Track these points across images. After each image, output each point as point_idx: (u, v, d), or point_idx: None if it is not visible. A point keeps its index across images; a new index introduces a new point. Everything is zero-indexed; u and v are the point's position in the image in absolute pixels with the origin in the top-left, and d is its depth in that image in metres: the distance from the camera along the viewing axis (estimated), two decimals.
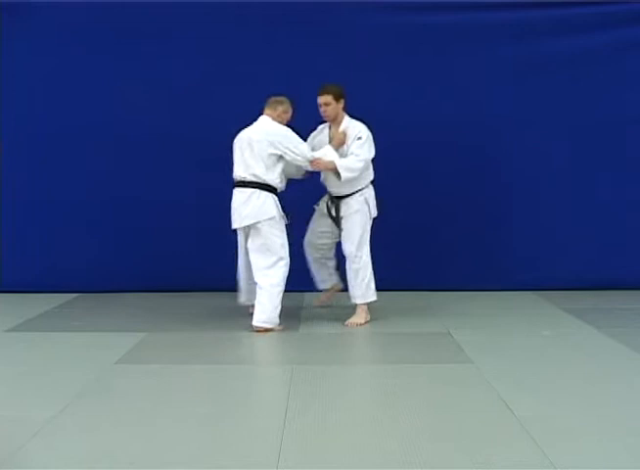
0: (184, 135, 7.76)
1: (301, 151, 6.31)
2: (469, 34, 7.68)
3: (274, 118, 6.41)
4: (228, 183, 7.74)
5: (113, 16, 7.67)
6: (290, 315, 6.76)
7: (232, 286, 7.73)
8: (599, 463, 3.64)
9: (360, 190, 6.47)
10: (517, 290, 7.71)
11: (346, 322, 6.47)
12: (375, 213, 6.54)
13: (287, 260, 6.32)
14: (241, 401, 4.56)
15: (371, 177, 6.52)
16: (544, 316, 6.83)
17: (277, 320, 6.29)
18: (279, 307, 6.27)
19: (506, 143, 7.78)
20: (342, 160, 6.35)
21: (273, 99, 6.47)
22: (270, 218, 6.24)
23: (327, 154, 6.38)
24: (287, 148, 6.27)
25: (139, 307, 7.24)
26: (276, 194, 6.35)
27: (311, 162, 6.35)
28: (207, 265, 7.75)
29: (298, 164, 6.38)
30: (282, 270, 6.29)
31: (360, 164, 6.34)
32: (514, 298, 7.50)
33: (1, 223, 7.85)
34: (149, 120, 7.74)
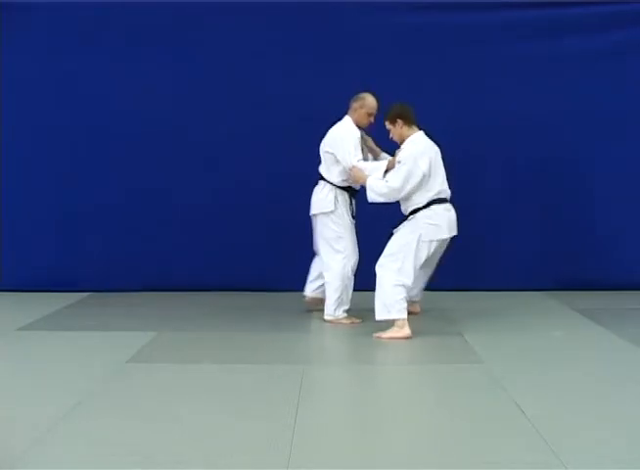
0: (190, 135, 7.78)
1: (346, 158, 6.32)
2: (468, 35, 7.68)
3: (353, 117, 6.45)
4: (234, 183, 7.80)
5: (112, 15, 7.70)
6: (300, 315, 6.79)
7: (242, 285, 7.78)
8: (609, 463, 3.62)
9: (413, 212, 6.11)
10: (528, 290, 7.70)
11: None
12: (433, 237, 6.04)
13: (346, 254, 6.39)
14: (251, 401, 4.55)
15: (421, 200, 6.05)
16: (555, 317, 6.82)
17: (341, 315, 6.46)
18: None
19: (508, 143, 7.77)
20: (375, 179, 6.18)
21: (353, 98, 6.49)
22: (329, 212, 6.40)
23: (369, 168, 6.27)
24: (337, 150, 6.37)
25: (150, 307, 7.26)
26: (345, 189, 6.45)
27: (350, 169, 6.34)
28: (217, 265, 7.77)
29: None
30: (340, 264, 6.39)
31: (384, 191, 6.09)
32: (525, 298, 7.48)
33: (14, 221, 7.86)
34: (152, 120, 7.75)
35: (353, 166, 6.30)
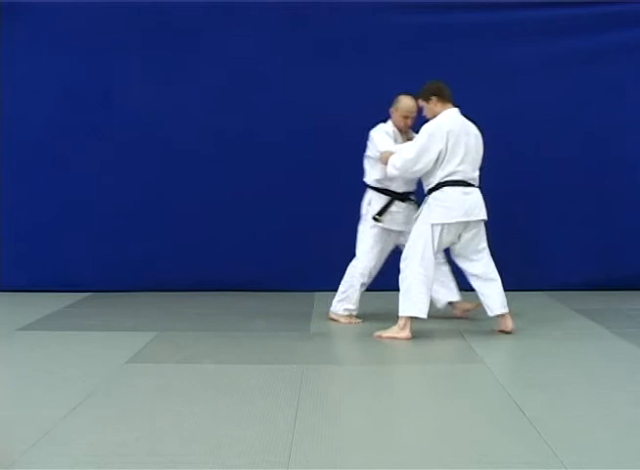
0: (190, 135, 7.77)
1: (377, 147, 6.25)
2: (468, 35, 7.70)
3: (393, 120, 6.39)
4: (234, 183, 7.80)
5: (113, 16, 7.69)
6: (300, 315, 6.78)
7: (242, 285, 7.78)
8: (609, 463, 3.62)
9: (428, 193, 6.03)
10: (527, 290, 7.68)
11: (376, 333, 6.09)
12: (444, 220, 5.89)
13: (357, 256, 6.38)
14: (251, 401, 4.55)
15: (433, 180, 5.95)
16: (555, 317, 6.82)
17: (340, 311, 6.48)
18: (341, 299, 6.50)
19: (508, 144, 7.75)
20: (395, 154, 6.08)
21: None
22: (363, 215, 6.41)
23: (398, 149, 6.15)
24: (371, 148, 6.32)
25: (150, 307, 7.26)
26: (385, 193, 6.36)
27: (380, 154, 6.24)
28: (218, 265, 7.77)
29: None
30: (352, 263, 6.41)
31: (398, 163, 6.00)
32: (524, 298, 7.47)
33: (14, 222, 7.86)
34: (152, 121, 7.75)
35: (384, 151, 6.21)
